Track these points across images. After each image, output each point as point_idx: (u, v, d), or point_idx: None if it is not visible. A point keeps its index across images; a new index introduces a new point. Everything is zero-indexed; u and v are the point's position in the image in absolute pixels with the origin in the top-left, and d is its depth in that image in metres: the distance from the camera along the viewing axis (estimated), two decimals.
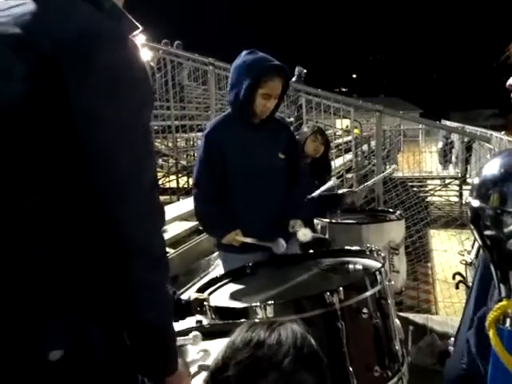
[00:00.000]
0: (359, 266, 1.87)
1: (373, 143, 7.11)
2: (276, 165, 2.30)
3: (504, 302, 0.84)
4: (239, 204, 2.24)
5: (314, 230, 3.21)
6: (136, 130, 0.93)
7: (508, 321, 0.83)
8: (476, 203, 0.88)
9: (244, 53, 2.27)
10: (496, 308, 0.84)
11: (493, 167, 0.88)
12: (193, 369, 1.21)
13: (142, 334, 0.96)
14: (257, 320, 0.82)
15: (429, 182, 10.61)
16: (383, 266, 1.68)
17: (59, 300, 0.91)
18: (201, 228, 4.87)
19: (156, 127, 6.40)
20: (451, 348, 1.51)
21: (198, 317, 1.52)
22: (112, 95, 0.89)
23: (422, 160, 11.55)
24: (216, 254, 4.13)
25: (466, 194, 9.52)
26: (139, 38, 1.13)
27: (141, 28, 1.03)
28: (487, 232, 0.86)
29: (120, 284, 0.92)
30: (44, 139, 0.88)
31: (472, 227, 0.90)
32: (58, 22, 0.89)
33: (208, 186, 2.26)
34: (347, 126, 7.98)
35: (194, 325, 1.49)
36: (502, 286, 0.87)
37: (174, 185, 6.69)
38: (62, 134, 0.88)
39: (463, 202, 9.37)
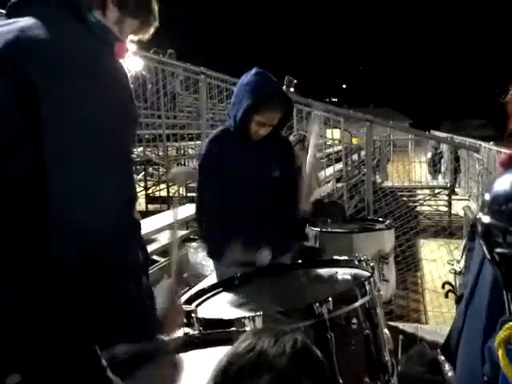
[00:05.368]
0: (348, 276, 1.87)
1: (363, 153, 7.15)
2: (265, 182, 2.24)
3: None
4: (228, 215, 2.19)
5: (305, 238, 3.22)
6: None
7: None
8: (487, 219, 0.85)
9: (254, 71, 2.20)
10: (505, 328, 0.82)
11: (504, 183, 0.86)
12: None
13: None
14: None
15: (418, 191, 10.64)
16: (372, 275, 1.68)
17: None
18: (191, 237, 4.89)
19: (147, 136, 6.38)
20: (441, 357, 1.49)
21: (186, 329, 1.50)
22: (87, 122, 0.89)
23: (412, 170, 11.59)
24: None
25: (454, 203, 9.58)
26: (131, 47, 1.15)
27: (130, 51, 1.04)
28: (498, 249, 0.84)
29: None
30: (19, 146, 0.89)
31: (482, 243, 0.88)
32: (40, 42, 0.90)
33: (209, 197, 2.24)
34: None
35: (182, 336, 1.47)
36: (511, 306, 0.85)
37: (164, 194, 6.66)
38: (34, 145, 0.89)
39: (452, 211, 9.44)
